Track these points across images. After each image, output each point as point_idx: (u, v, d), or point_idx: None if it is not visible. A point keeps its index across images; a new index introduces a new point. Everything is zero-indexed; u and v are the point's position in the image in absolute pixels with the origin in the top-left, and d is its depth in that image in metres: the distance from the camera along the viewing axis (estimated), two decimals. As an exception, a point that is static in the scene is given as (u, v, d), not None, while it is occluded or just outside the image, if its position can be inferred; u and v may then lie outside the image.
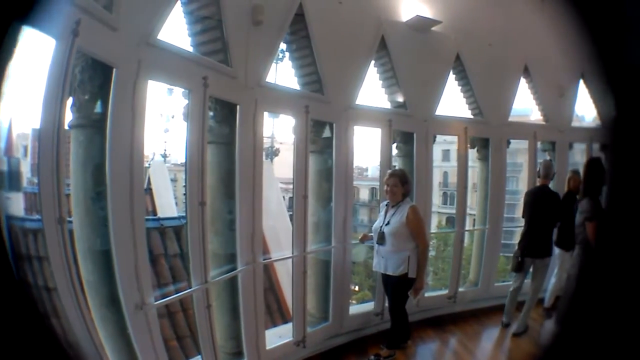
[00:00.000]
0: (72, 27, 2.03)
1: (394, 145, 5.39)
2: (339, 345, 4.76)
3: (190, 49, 3.39)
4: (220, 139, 3.57)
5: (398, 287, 4.38)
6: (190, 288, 3.20)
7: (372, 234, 4.60)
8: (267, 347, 4.00)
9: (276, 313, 6.70)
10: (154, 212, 8.39)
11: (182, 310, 5.34)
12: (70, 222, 2.33)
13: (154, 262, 5.71)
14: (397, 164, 5.50)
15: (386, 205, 4.56)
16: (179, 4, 3.21)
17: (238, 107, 3.60)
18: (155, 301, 2.81)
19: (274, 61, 4.17)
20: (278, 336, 4.36)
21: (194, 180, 3.15)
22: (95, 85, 2.40)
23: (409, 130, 5.39)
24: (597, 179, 3.92)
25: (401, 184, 4.42)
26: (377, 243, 4.46)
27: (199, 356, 3.38)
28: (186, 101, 3.13)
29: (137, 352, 2.60)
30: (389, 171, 4.57)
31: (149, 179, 9.42)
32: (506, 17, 5.57)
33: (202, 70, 3.16)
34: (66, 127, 2.07)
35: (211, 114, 3.50)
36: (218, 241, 3.62)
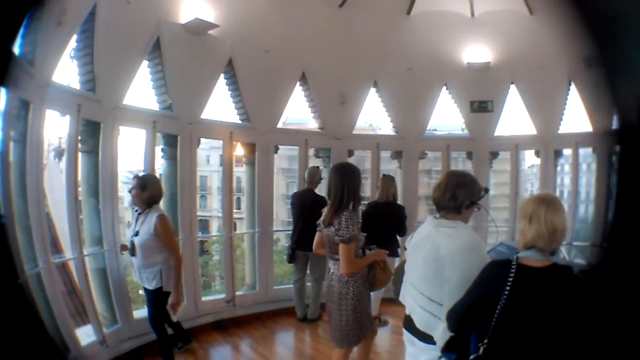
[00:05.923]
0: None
1: (160, 148, 6.53)
2: (137, 347, 5.76)
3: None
4: (20, 138, 4.42)
5: (154, 302, 4.99)
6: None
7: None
8: (82, 344, 4.97)
9: (84, 313, 7.51)
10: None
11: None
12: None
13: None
14: (161, 166, 6.64)
15: (138, 212, 5.06)
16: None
17: (31, 105, 4.47)
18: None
19: (71, 60, 5.24)
20: (87, 335, 5.25)
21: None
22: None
23: (174, 133, 6.60)
24: (344, 190, 3.93)
25: (140, 189, 4.88)
26: (130, 254, 4.99)
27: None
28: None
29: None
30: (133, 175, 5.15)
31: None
32: (288, 25, 7.19)
33: (17, 70, 3.90)
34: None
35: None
36: (25, 239, 4.44)
